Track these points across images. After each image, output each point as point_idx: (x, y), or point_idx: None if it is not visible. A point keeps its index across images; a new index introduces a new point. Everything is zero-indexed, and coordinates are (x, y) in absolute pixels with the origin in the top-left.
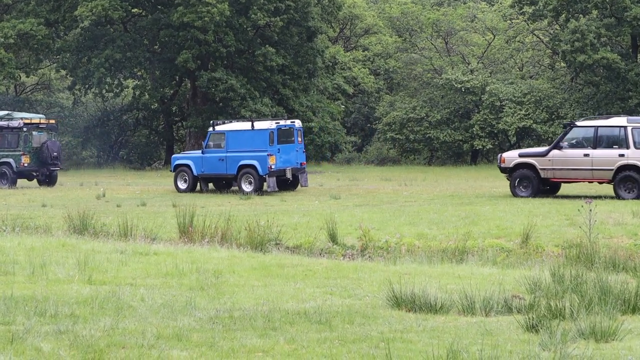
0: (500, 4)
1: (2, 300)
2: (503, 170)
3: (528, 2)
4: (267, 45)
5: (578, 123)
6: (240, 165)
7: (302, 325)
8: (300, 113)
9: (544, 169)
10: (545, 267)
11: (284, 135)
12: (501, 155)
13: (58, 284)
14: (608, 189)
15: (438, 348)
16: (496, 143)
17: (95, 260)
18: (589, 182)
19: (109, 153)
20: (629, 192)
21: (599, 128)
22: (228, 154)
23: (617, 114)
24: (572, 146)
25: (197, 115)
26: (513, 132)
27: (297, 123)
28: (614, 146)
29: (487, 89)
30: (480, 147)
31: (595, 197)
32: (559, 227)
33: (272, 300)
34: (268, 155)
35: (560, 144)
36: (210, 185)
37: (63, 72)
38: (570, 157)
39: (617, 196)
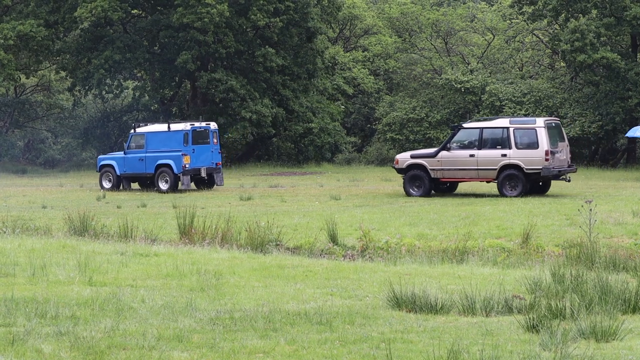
0: (500, 3)
1: (2, 301)
2: (398, 171)
3: (528, 2)
4: (266, 46)
5: (464, 125)
6: (157, 165)
7: (302, 326)
8: (300, 114)
9: (434, 169)
10: (545, 267)
11: (199, 137)
12: (396, 157)
13: (58, 285)
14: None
15: (439, 348)
16: None
17: (96, 262)
18: (476, 181)
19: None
20: (512, 190)
21: (484, 129)
22: (147, 154)
23: (510, 115)
24: (459, 147)
25: (197, 116)
26: None
27: (213, 125)
28: (498, 147)
29: (487, 89)
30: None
31: (484, 196)
32: (559, 227)
33: (273, 301)
34: (182, 155)
35: (448, 145)
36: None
37: (63, 74)
38: (457, 158)
39: (501, 194)
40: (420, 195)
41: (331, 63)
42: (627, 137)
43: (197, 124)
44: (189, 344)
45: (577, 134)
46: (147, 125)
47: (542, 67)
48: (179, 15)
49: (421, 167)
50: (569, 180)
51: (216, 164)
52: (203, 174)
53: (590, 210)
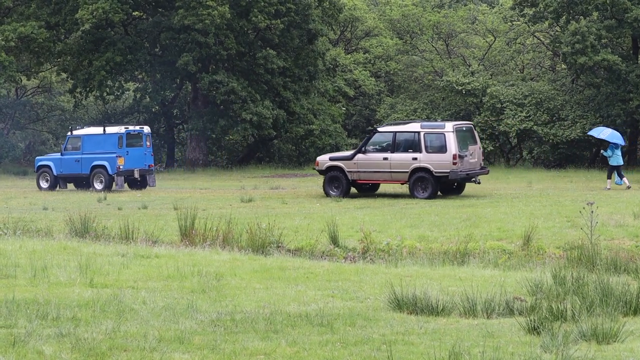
0: (501, 6)
1: (4, 303)
2: (319, 172)
3: (529, 4)
4: (267, 48)
5: (379, 129)
6: (92, 166)
7: (303, 328)
8: (301, 115)
9: (351, 171)
10: (546, 269)
11: (133, 140)
12: (316, 159)
13: (59, 287)
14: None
15: (440, 350)
16: (497, 145)
17: (97, 263)
18: (390, 183)
19: None
20: (422, 192)
21: (397, 133)
22: (83, 156)
23: (430, 119)
24: (375, 150)
25: (198, 118)
26: (514, 134)
27: (146, 129)
28: (410, 150)
29: (488, 91)
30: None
31: (397, 196)
32: (560, 229)
33: (274, 302)
34: (117, 156)
35: (364, 148)
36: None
37: (64, 75)
38: (372, 161)
39: (413, 196)
40: (338, 196)
41: (332, 65)
42: (589, 135)
43: (131, 128)
44: (190, 346)
45: (578, 136)
46: (84, 128)
47: (543, 69)
48: (180, 17)
49: (339, 169)
50: (478, 182)
51: (149, 165)
52: (136, 175)
53: (592, 212)
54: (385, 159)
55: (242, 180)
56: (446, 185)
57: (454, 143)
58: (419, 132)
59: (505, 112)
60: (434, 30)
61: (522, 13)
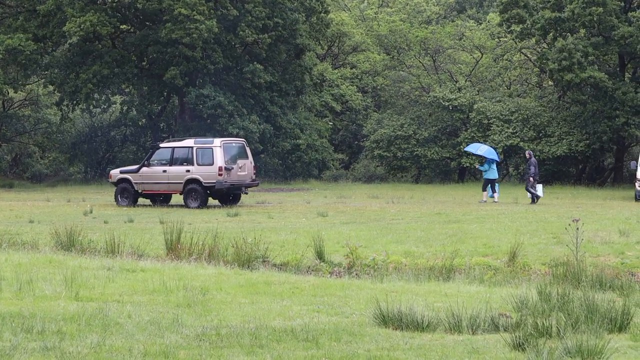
0: (489, 22)
1: None
2: (113, 184)
3: (516, 21)
4: (255, 62)
5: (161, 145)
6: None
7: (289, 342)
8: (288, 130)
9: (137, 182)
10: (532, 286)
11: None
12: (110, 172)
13: (45, 300)
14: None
15: None
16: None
17: (82, 277)
18: (169, 193)
19: (96, 169)
20: (193, 202)
21: (175, 149)
22: None
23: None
24: (157, 164)
25: (184, 132)
26: (500, 150)
27: None
28: (184, 163)
29: (475, 106)
30: (467, 164)
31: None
32: (545, 245)
33: (259, 317)
34: None
35: (148, 162)
36: None
37: (51, 88)
38: (154, 173)
39: (186, 205)
40: (127, 205)
41: (319, 80)
42: (465, 151)
43: None
44: None
45: (564, 153)
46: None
47: (530, 86)
48: (167, 30)
49: (128, 181)
50: (246, 193)
51: None
52: None
53: (577, 229)
54: (165, 171)
55: None
56: (219, 196)
57: (220, 157)
58: (192, 147)
59: (492, 128)
60: (421, 46)
61: (509, 30)
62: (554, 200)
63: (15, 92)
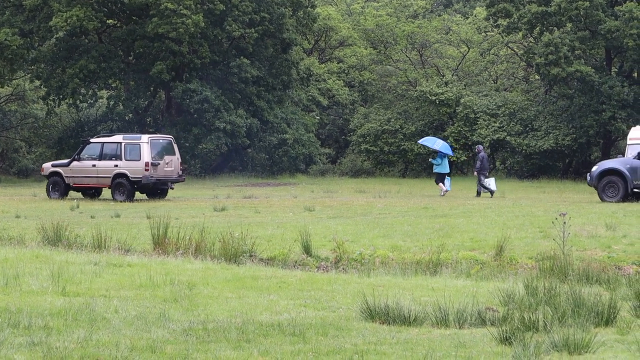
0: (475, 16)
1: None
2: (45, 177)
3: (503, 15)
4: (241, 57)
5: (92, 140)
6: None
7: (276, 337)
8: (274, 124)
9: (68, 176)
10: (518, 280)
11: None
12: (42, 166)
13: (32, 295)
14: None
15: None
16: (470, 155)
17: (69, 272)
18: (98, 187)
19: None
20: (121, 195)
21: (105, 144)
22: None
23: (148, 132)
24: (88, 158)
25: (171, 127)
26: (487, 144)
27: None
28: (113, 158)
29: (462, 101)
30: (454, 159)
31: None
32: (532, 239)
33: (246, 312)
34: None
35: (79, 156)
36: None
37: (37, 83)
38: (84, 167)
39: (114, 199)
40: (58, 198)
41: (306, 74)
42: (420, 143)
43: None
44: (162, 355)
45: (551, 147)
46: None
47: (517, 80)
48: (153, 25)
49: (59, 174)
50: (172, 188)
51: None
52: None
53: (564, 223)
54: (94, 165)
55: (215, 189)
56: (146, 190)
57: (147, 152)
58: (120, 143)
59: (479, 123)
60: (408, 41)
61: (496, 24)
62: (541, 194)
63: (2, 87)
